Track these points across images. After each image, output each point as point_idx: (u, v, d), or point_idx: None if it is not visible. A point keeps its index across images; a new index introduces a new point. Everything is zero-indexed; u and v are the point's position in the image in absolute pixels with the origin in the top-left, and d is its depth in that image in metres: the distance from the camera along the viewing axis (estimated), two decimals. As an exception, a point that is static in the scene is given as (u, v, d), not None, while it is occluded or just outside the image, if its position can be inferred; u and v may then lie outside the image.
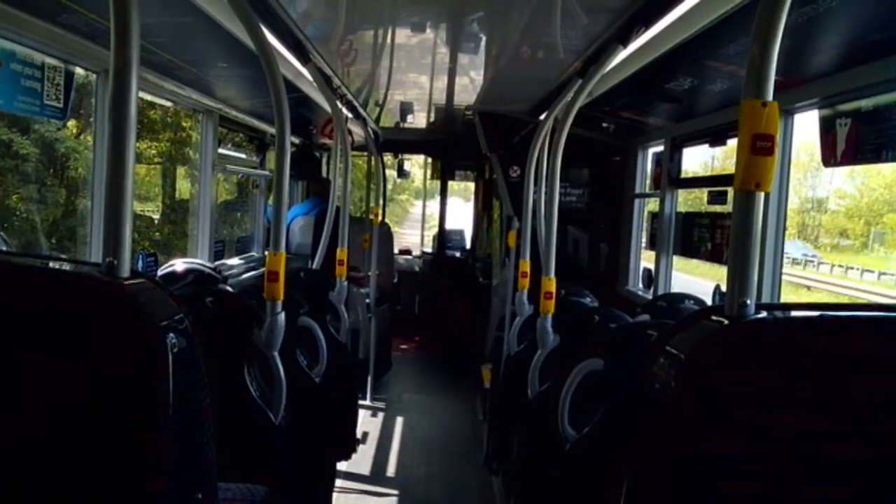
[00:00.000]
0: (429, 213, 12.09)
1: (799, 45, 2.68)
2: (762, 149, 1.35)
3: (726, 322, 1.36)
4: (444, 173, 9.56)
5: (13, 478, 1.31)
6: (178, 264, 3.84)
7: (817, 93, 3.11)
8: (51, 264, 2.35)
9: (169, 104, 5.18)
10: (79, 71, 3.30)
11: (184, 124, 8.25)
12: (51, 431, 1.30)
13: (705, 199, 4.59)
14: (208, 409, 1.50)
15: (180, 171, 8.59)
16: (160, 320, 1.35)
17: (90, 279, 1.42)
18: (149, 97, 4.47)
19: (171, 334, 1.35)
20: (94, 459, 1.30)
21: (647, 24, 2.79)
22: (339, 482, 4.61)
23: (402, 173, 9.96)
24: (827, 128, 3.07)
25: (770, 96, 1.36)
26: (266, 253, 2.72)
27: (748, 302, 1.37)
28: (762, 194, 1.38)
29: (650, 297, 4.98)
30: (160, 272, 3.78)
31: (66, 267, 3.06)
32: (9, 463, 1.30)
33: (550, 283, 3.48)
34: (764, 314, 1.40)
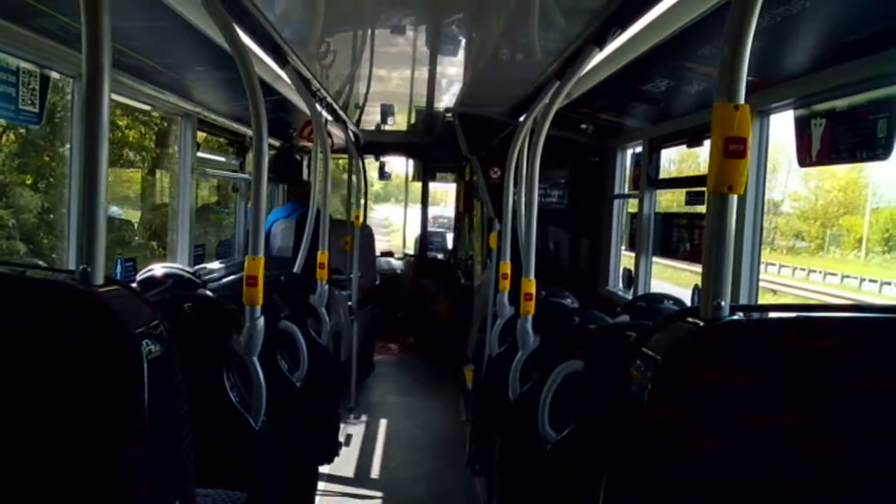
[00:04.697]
0: (389, 216, 11.95)
1: (773, 47, 2.70)
2: (734, 152, 1.36)
3: (701, 324, 1.37)
4: (425, 175, 9.55)
5: None
6: (157, 269, 3.81)
7: (792, 94, 3.14)
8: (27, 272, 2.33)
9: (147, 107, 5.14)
10: (54, 75, 3.27)
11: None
12: (24, 439, 1.29)
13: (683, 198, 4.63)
14: (186, 415, 1.49)
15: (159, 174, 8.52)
16: (135, 327, 1.34)
17: (63, 287, 1.41)
18: (126, 101, 4.44)
19: (147, 341, 1.34)
20: (70, 467, 1.29)
21: (623, 26, 2.81)
22: (322, 485, 4.60)
23: (383, 175, 9.94)
24: (802, 128, 3.10)
25: (742, 99, 1.37)
26: (245, 257, 2.71)
27: (723, 304, 1.38)
28: (735, 197, 1.39)
29: (630, 297, 5.00)
30: (139, 277, 3.75)
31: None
32: None
33: (530, 285, 3.48)
34: (739, 315, 1.41)
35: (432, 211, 10.02)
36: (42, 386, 1.30)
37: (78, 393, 1.29)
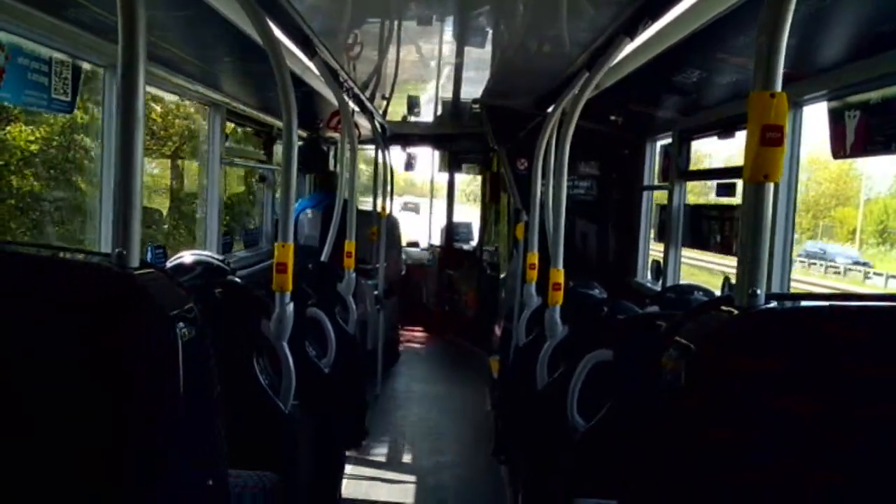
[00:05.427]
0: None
1: (807, 37, 2.66)
2: (771, 140, 1.35)
3: (736, 312, 1.36)
4: (451, 166, 9.55)
5: (25, 465, 1.32)
6: (187, 256, 3.85)
7: (826, 85, 3.10)
8: (61, 255, 2.37)
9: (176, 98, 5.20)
10: (85, 65, 3.31)
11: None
12: (62, 421, 1.32)
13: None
14: (218, 397, 1.51)
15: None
16: (170, 310, 1.36)
17: (101, 269, 1.43)
18: (156, 91, 4.49)
19: (181, 324, 1.36)
20: (106, 448, 1.32)
21: (654, 16, 2.78)
22: (349, 469, 4.65)
23: (409, 167, 9.96)
24: (836, 120, 3.06)
25: (779, 87, 1.36)
26: (274, 245, 2.74)
27: (758, 292, 1.37)
28: (771, 185, 1.38)
29: (659, 288, 4.97)
30: (169, 264, 3.79)
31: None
32: (22, 451, 1.32)
33: (559, 275, 3.48)
34: (774, 304, 1.40)
35: (406, 198, 10.01)
36: (80, 366, 1.32)
37: (115, 373, 1.32)
